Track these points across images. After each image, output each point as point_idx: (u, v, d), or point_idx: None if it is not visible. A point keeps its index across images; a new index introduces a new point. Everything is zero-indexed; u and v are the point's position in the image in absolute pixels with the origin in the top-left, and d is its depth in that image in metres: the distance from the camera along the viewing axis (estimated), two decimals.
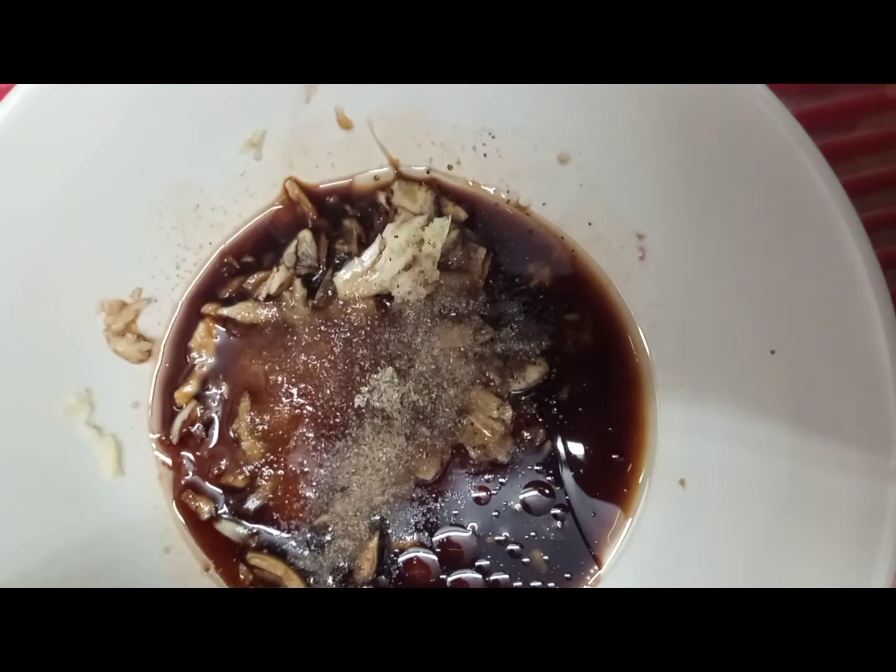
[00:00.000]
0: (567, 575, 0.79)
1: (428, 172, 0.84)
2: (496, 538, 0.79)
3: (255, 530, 0.80)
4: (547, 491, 0.80)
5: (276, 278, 0.81)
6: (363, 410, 0.78)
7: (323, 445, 0.79)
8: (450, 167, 0.84)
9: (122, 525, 0.77)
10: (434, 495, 0.79)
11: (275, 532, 0.80)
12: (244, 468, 0.80)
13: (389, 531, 0.79)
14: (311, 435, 0.79)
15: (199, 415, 0.81)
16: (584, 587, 0.79)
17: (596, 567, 0.79)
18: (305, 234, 0.82)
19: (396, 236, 0.78)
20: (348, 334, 0.80)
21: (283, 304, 0.81)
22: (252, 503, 0.80)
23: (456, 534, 0.79)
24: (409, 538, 0.79)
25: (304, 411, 0.80)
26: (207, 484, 0.81)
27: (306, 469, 0.79)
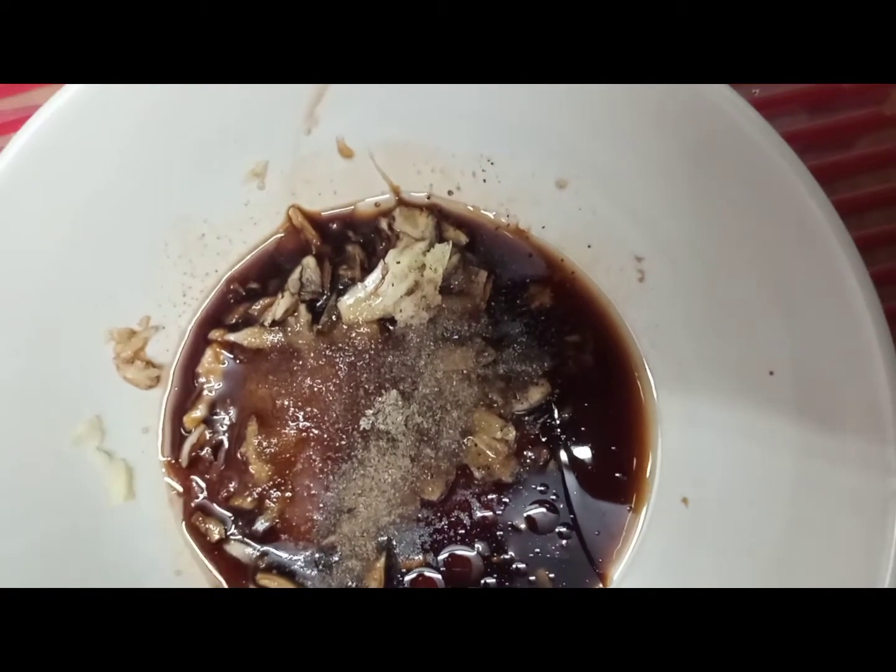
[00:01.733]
0: None
1: (429, 198, 0.85)
2: (501, 557, 0.80)
3: (264, 551, 0.81)
4: (551, 510, 0.81)
5: (281, 304, 0.82)
6: (368, 433, 0.79)
7: (329, 467, 0.80)
8: (450, 193, 0.85)
9: (134, 548, 0.78)
10: (440, 516, 0.80)
11: (283, 553, 0.81)
12: (252, 490, 0.81)
13: (396, 551, 0.80)
14: (317, 457, 0.80)
15: (207, 438, 0.82)
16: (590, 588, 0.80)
17: (601, 585, 0.80)
18: (309, 261, 0.83)
19: (399, 262, 0.79)
20: (353, 358, 0.81)
21: (289, 329, 0.82)
22: (261, 525, 0.81)
23: (462, 553, 0.80)
24: (415, 558, 0.80)
25: (311, 434, 0.81)
26: (217, 506, 0.82)
27: (313, 491, 0.80)
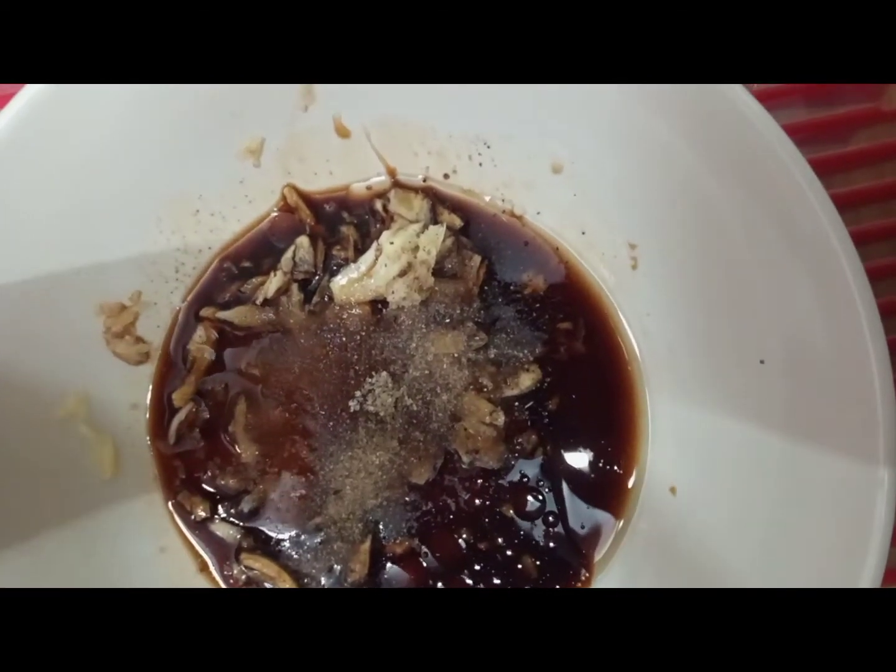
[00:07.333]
0: (558, 584, 0.79)
1: (424, 181, 0.85)
2: (487, 543, 0.79)
3: (249, 531, 0.80)
4: (539, 497, 0.80)
5: (273, 283, 0.82)
6: (357, 414, 0.79)
7: (317, 448, 0.80)
8: (446, 176, 0.85)
9: (118, 524, 0.78)
10: (426, 499, 0.80)
11: (268, 533, 0.80)
12: (239, 470, 0.81)
13: (382, 534, 0.79)
14: (305, 438, 0.80)
15: (195, 416, 0.82)
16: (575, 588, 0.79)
17: (587, 573, 0.80)
18: (303, 240, 0.83)
19: (392, 243, 0.79)
20: (344, 339, 0.81)
21: (281, 308, 0.82)
22: (246, 504, 0.80)
23: (448, 538, 0.79)
24: (401, 541, 0.79)
25: (299, 414, 0.80)
26: (203, 485, 0.81)
27: (300, 471, 0.80)
